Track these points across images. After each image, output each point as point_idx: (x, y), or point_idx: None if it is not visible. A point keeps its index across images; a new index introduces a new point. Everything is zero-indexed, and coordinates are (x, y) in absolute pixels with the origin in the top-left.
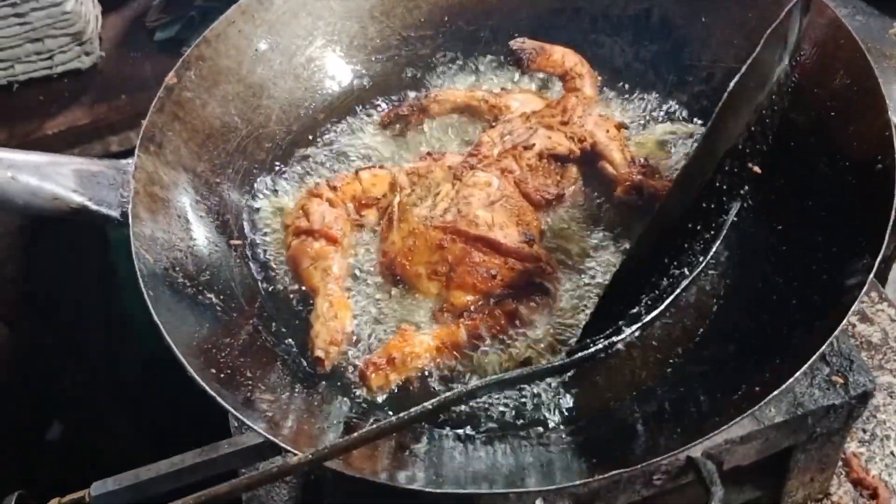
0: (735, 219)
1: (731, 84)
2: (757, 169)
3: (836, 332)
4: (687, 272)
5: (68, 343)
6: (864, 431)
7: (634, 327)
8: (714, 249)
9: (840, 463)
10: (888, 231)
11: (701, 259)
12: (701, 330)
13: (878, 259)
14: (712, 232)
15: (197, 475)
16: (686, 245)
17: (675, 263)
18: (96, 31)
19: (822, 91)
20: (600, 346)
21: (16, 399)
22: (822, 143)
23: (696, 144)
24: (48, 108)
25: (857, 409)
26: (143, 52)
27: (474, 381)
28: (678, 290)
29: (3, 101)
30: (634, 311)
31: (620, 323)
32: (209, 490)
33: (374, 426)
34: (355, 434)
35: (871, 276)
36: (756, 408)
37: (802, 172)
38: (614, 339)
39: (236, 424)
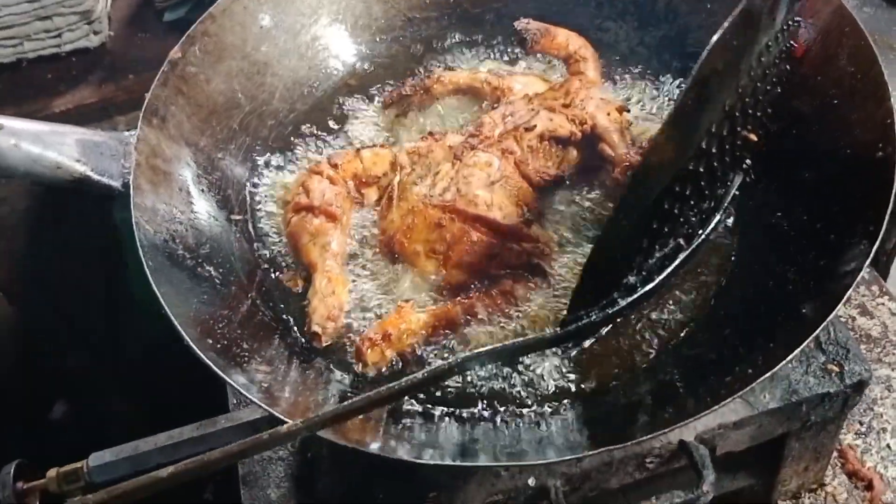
0: (737, 192)
1: (714, 38)
2: (753, 136)
3: (829, 318)
4: (683, 243)
5: (72, 322)
6: (861, 424)
7: (630, 299)
8: (714, 223)
9: (835, 454)
10: (886, 217)
11: (700, 231)
12: (700, 312)
13: (876, 245)
14: (712, 203)
15: (194, 449)
16: (678, 211)
17: (665, 230)
18: (105, 11)
19: (826, 79)
20: (594, 317)
21: (19, 378)
22: (824, 130)
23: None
24: (56, 85)
25: (853, 397)
26: (151, 32)
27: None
28: (675, 263)
29: (11, 79)
30: (629, 281)
31: (615, 294)
32: (202, 456)
33: (366, 395)
34: (347, 402)
35: (868, 261)
36: (746, 390)
37: (803, 159)
38: (609, 310)
39: (234, 401)
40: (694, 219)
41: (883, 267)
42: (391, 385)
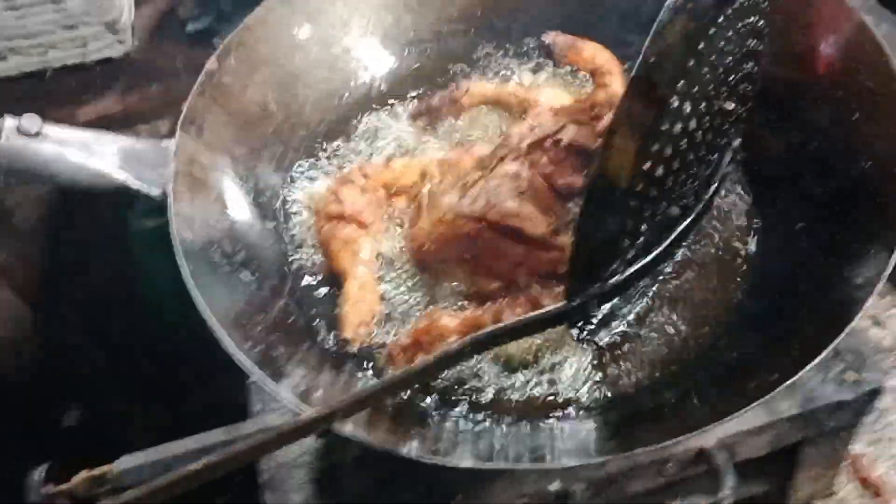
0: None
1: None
2: (729, 105)
3: (848, 328)
4: (679, 214)
5: (89, 326)
6: (873, 432)
7: (633, 268)
8: (710, 194)
9: (846, 462)
10: None
11: (695, 204)
12: (722, 320)
13: (893, 258)
14: (705, 177)
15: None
16: (659, 191)
17: (648, 210)
18: (130, 21)
19: (846, 93)
20: (599, 288)
21: (36, 382)
22: (844, 144)
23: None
24: (81, 94)
25: (867, 405)
26: (174, 42)
27: (493, 365)
28: (673, 234)
29: (36, 87)
30: (627, 256)
31: (615, 265)
32: (230, 449)
33: (381, 381)
34: (363, 388)
35: (888, 273)
36: (768, 397)
37: (824, 171)
38: (617, 278)
39: (259, 406)
40: (685, 195)
41: (893, 278)
42: (407, 368)
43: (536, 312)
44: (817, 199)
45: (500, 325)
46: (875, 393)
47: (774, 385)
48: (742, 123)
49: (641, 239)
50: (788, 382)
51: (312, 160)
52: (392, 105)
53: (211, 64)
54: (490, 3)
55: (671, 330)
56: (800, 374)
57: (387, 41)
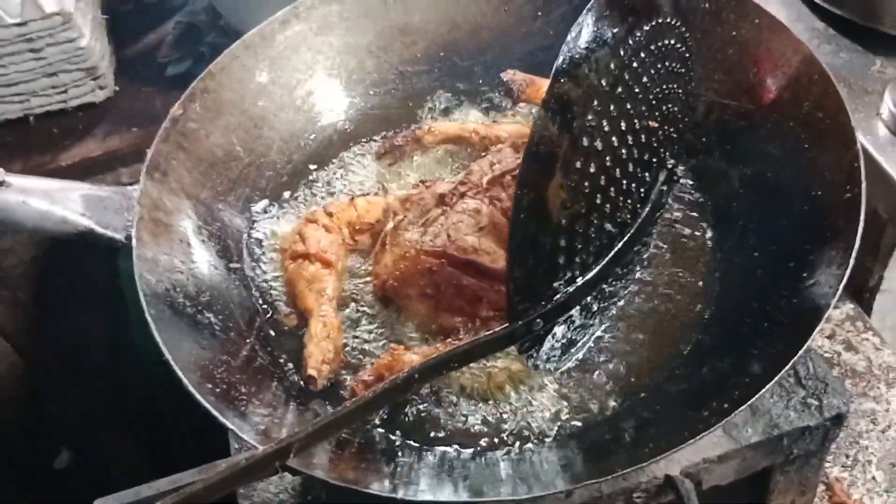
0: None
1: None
2: (653, 123)
3: (801, 352)
4: (615, 232)
5: (76, 370)
6: (847, 457)
7: (572, 287)
8: (644, 215)
9: (822, 488)
10: (853, 256)
11: (631, 222)
12: (679, 349)
13: (843, 282)
14: (637, 197)
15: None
16: (597, 193)
17: (581, 229)
18: (110, 66)
19: (797, 124)
20: (542, 309)
21: (25, 428)
22: (796, 173)
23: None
24: (63, 140)
25: (832, 431)
26: (155, 86)
27: (456, 398)
28: (613, 251)
29: (20, 134)
30: (566, 275)
31: (555, 284)
32: (186, 489)
33: (333, 413)
34: (317, 421)
35: (836, 298)
36: (723, 423)
37: (777, 201)
38: (558, 298)
39: (236, 446)
40: (618, 211)
41: (866, 304)
42: (357, 400)
43: (480, 336)
44: (773, 227)
45: (446, 351)
46: (839, 418)
47: (728, 412)
48: (676, 144)
49: (579, 257)
50: (748, 403)
51: (278, 201)
52: (356, 145)
53: (175, 110)
54: (452, 45)
55: (631, 357)
56: (760, 393)
57: (351, 83)
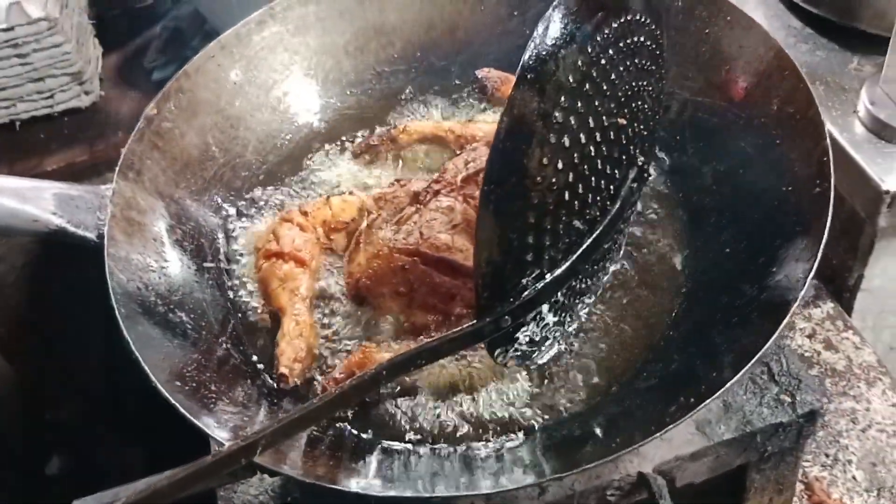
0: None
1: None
2: (622, 120)
3: (767, 345)
4: (585, 229)
5: (68, 377)
6: (827, 456)
7: (541, 283)
8: (615, 209)
9: (802, 487)
10: (821, 249)
11: (600, 217)
12: (649, 346)
13: (811, 276)
14: (608, 193)
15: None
16: (565, 189)
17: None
18: (96, 71)
19: (769, 120)
20: (509, 306)
21: (17, 433)
22: (768, 169)
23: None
24: (48, 145)
25: (807, 428)
26: (141, 91)
27: (430, 395)
28: (581, 248)
29: (6, 139)
30: (536, 270)
31: (524, 280)
32: (152, 485)
33: (299, 409)
34: (282, 417)
35: (804, 291)
36: (690, 415)
37: (750, 196)
38: (526, 294)
39: (216, 448)
40: (588, 208)
41: (847, 303)
42: (323, 396)
43: (448, 333)
44: (744, 222)
45: (414, 348)
46: (812, 415)
47: (702, 400)
48: (647, 142)
49: (547, 254)
50: (715, 396)
51: (253, 201)
52: (333, 144)
53: (150, 110)
54: (429, 45)
55: (601, 354)
56: (726, 386)
57: (328, 84)
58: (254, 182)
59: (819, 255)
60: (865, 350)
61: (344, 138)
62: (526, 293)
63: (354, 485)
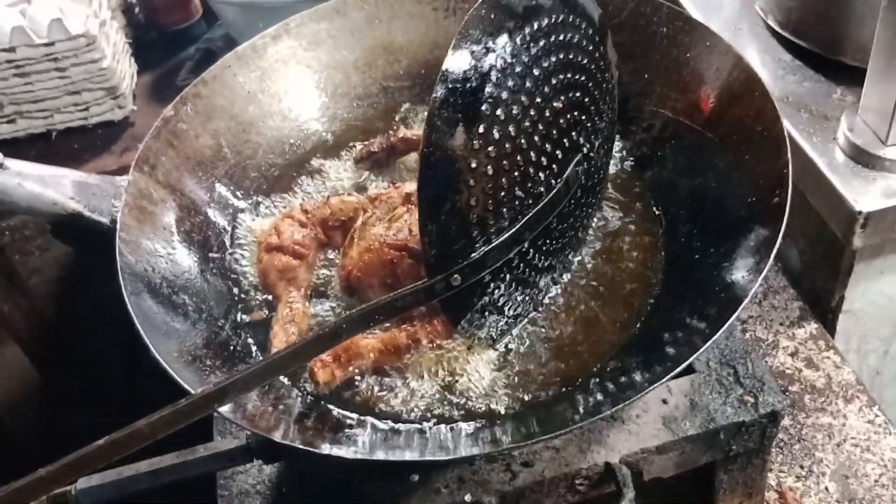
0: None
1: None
2: (558, 105)
3: (712, 340)
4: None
5: (92, 385)
6: (802, 467)
7: (488, 247)
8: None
9: (776, 497)
10: (774, 250)
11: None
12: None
13: (760, 279)
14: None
15: (174, 475)
16: (503, 158)
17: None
18: (131, 87)
19: (739, 137)
20: (458, 263)
21: (40, 441)
22: (738, 182)
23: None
24: (82, 154)
25: (770, 429)
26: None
27: (403, 376)
28: (529, 214)
29: (42, 148)
30: (484, 234)
31: (474, 244)
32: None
33: (264, 358)
34: (248, 367)
35: (756, 288)
36: (638, 397)
37: (719, 207)
38: (473, 256)
39: (217, 434)
40: (532, 182)
41: (830, 324)
42: (287, 347)
43: (401, 290)
44: (714, 232)
45: (371, 304)
46: (774, 416)
47: (648, 384)
48: (593, 135)
49: (493, 219)
50: (662, 382)
51: (259, 200)
52: (338, 151)
53: (167, 112)
54: (433, 63)
55: (566, 342)
56: (670, 376)
57: (336, 96)
58: (261, 183)
59: (772, 256)
60: (845, 369)
61: (349, 145)
62: (474, 255)
63: (329, 448)
